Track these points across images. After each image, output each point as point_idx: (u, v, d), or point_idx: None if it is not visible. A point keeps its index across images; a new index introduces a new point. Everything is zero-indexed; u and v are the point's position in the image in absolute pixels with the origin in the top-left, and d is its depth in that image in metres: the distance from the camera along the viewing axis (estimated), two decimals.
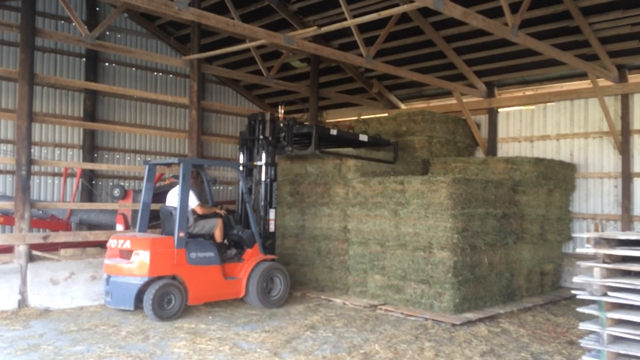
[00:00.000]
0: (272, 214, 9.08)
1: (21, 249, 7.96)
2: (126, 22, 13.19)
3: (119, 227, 10.27)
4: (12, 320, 7.21)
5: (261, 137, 9.05)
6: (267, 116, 9.08)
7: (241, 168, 9.24)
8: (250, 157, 9.35)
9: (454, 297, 7.99)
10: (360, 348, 6.29)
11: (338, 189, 9.63)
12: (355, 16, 8.60)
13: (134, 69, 13.47)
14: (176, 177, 11.66)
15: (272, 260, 8.64)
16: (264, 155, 9.05)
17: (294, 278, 10.06)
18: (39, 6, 11.16)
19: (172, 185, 11.48)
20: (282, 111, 9.34)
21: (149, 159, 13.72)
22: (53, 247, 9.12)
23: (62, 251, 8.94)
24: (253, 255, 8.39)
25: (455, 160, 10.83)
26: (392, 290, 8.67)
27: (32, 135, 8.46)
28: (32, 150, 8.53)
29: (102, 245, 9.78)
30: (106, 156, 13.08)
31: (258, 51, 11.34)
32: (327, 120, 15.00)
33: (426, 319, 7.77)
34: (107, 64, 13.02)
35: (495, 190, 8.86)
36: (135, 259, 7.42)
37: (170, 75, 14.14)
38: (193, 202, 8.12)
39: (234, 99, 15.51)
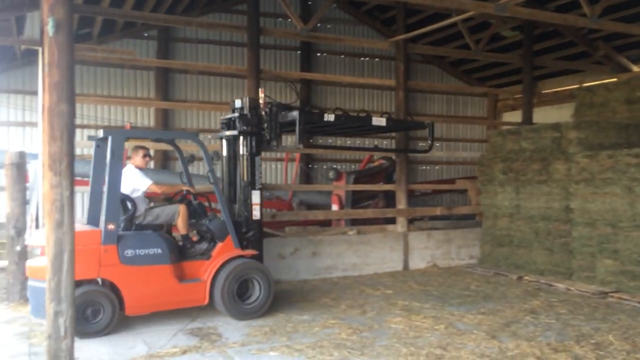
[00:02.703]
0: (255, 197, 7.01)
1: None
2: (335, 11, 13.81)
3: (334, 207, 10.91)
4: None
5: (242, 129, 6.98)
6: (246, 102, 7.02)
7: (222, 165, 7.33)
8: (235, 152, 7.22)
9: None
10: (590, 337, 5.73)
11: (558, 165, 8.84)
12: None
13: (342, 56, 14.08)
14: (385, 159, 12.00)
15: (251, 257, 6.73)
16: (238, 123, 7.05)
17: (508, 260, 9.58)
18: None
19: (381, 167, 11.82)
20: (263, 95, 7.19)
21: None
22: (280, 225, 10.07)
23: (287, 229, 9.83)
24: (224, 251, 6.53)
25: None
26: (626, 277, 7.70)
27: None
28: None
29: (320, 224, 10.51)
30: (320, 141, 13.97)
31: (465, 24, 10.92)
32: (544, 91, 13.84)
33: None
34: (318, 54, 13.84)
35: None
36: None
37: (376, 59, 14.46)
38: (144, 182, 6.56)
39: (439, 76, 15.25)
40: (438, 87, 14.69)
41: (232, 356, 5.21)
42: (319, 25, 13.63)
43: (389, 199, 11.02)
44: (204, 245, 6.74)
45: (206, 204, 7.07)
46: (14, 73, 11.15)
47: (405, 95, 10.51)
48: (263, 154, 11.80)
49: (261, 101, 7.14)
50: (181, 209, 6.63)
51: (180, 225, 6.65)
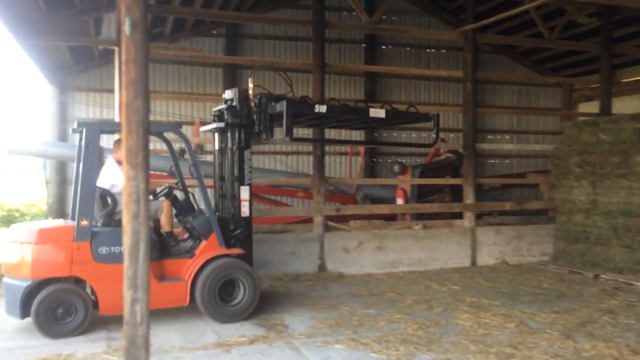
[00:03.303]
0: (244, 193, 6.56)
1: (319, 219, 9.01)
2: (400, 3, 13.62)
3: (399, 201, 10.80)
4: (314, 282, 8.23)
5: (230, 122, 6.58)
6: (235, 93, 6.61)
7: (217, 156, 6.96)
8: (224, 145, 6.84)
9: None
10: None
11: (639, 157, 8.34)
12: None
13: (407, 48, 13.87)
14: (452, 151, 11.74)
15: (237, 256, 6.35)
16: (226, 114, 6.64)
17: (584, 258, 9.15)
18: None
19: (447, 160, 11.58)
20: (252, 85, 6.65)
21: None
22: (344, 219, 10.09)
23: (352, 222, 9.83)
24: (208, 249, 6.22)
25: None
26: None
27: None
28: (324, 133, 9.49)
29: (385, 218, 10.44)
30: (385, 134, 13.86)
31: (538, 12, 10.47)
32: (624, 80, 13.06)
33: None
34: (383, 47, 13.70)
35: None
36: (18, 255, 5.69)
37: (443, 50, 14.15)
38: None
39: (509, 67, 14.71)
40: (508, 78, 14.19)
41: (298, 347, 5.27)
42: (383, 17, 13.49)
43: (456, 193, 10.78)
44: (189, 243, 6.45)
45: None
46: (92, 72, 11.73)
47: (473, 86, 10.23)
48: (327, 148, 11.81)
49: (250, 92, 6.62)
50: (164, 205, 6.36)
51: (164, 221, 6.38)
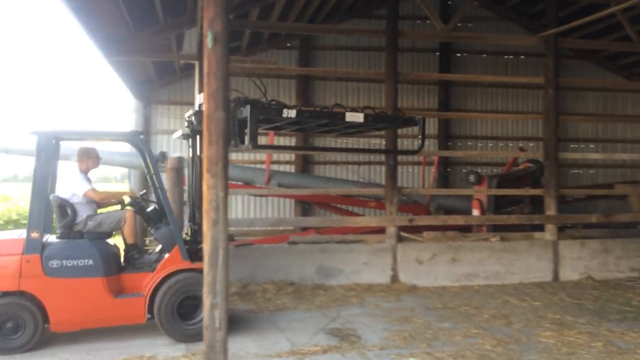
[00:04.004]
0: None
1: (391, 230, 8.91)
2: (476, 9, 13.33)
3: (475, 212, 10.49)
4: (387, 293, 8.13)
5: (195, 128, 6.14)
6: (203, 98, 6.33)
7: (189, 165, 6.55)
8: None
9: None
10: None
11: None
12: None
13: (484, 55, 13.53)
14: (532, 161, 11.27)
15: (201, 270, 6.02)
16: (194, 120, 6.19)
17: None
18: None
19: (527, 170, 11.14)
20: None
21: (500, 145, 13.61)
22: (417, 230, 9.92)
23: (425, 233, 9.63)
24: (170, 263, 5.80)
25: None
26: None
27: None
28: (397, 143, 9.40)
29: (459, 229, 10.17)
30: (459, 144, 13.55)
31: (625, 14, 9.91)
32: None
33: None
34: (458, 54, 13.45)
35: None
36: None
37: (522, 57, 13.70)
38: (81, 187, 5.92)
39: (593, 72, 14.00)
40: (593, 84, 13.50)
41: (371, 359, 5.22)
42: (458, 25, 13.25)
43: (536, 204, 10.34)
44: (154, 256, 6.13)
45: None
46: (173, 86, 12.28)
47: (555, 93, 9.80)
48: (400, 158, 11.63)
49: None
50: (127, 215, 6.01)
51: (127, 233, 6.06)
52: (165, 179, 8.83)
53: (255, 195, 11.79)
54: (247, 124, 5.38)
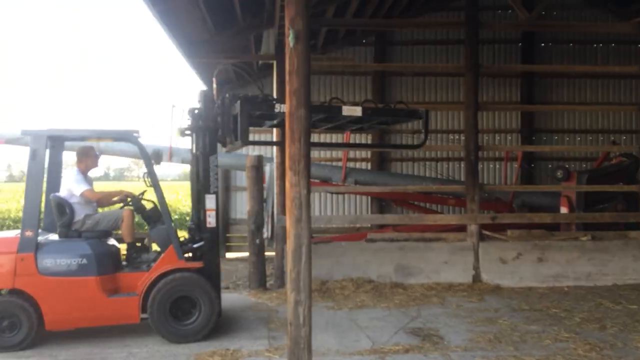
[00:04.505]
0: (209, 202, 5.94)
1: (473, 228, 8.64)
2: None
3: (563, 209, 9.98)
4: (468, 293, 7.89)
5: (193, 125, 6.04)
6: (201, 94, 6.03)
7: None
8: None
9: None
10: None
11: None
12: None
13: (570, 44, 12.84)
14: (625, 155, 10.57)
15: (199, 270, 5.79)
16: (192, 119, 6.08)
17: None
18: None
19: (620, 165, 10.45)
20: (215, 85, 6.08)
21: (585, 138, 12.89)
22: (500, 228, 9.58)
23: (509, 232, 9.28)
24: (165, 262, 5.71)
25: None
26: None
27: (478, 123, 9.07)
28: (478, 137, 9.13)
29: (546, 227, 9.71)
30: (544, 138, 12.94)
31: None
32: None
33: None
34: (542, 44, 12.83)
35: None
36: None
37: (612, 45, 12.86)
38: (78, 187, 5.91)
39: None
40: None
41: None
42: (542, 13, 12.65)
43: (631, 201, 9.68)
44: (152, 256, 6.05)
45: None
46: (251, 86, 12.55)
47: None
48: (481, 153, 11.25)
49: (214, 92, 6.03)
50: (125, 214, 6.00)
51: (125, 232, 6.03)
52: (245, 176, 9.06)
53: (332, 193, 11.84)
54: (238, 119, 5.23)
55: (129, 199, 6.23)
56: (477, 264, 8.53)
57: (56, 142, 6.21)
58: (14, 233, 5.79)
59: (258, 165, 8.53)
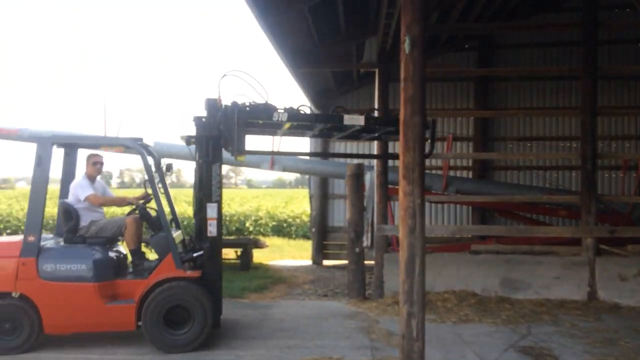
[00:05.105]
0: (211, 210, 5.88)
1: (589, 242, 8.06)
2: None
3: None
4: (583, 312, 7.35)
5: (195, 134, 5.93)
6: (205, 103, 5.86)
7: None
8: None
9: None
10: None
11: None
12: None
13: None
14: None
15: (194, 279, 5.70)
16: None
17: None
18: None
19: None
20: (219, 94, 5.83)
21: None
22: (618, 242, 8.86)
23: (629, 247, 8.55)
24: (163, 271, 5.69)
25: None
26: None
27: (596, 129, 8.47)
28: (596, 145, 8.51)
29: None
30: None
31: None
32: None
33: None
34: None
35: None
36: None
37: None
38: (83, 192, 6.00)
39: None
40: None
41: None
42: None
43: None
44: (153, 264, 6.00)
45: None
46: (350, 95, 12.61)
47: None
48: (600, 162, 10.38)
49: (220, 100, 5.86)
50: (128, 221, 6.04)
51: (128, 239, 6.06)
52: (345, 185, 9.08)
53: (432, 202, 11.55)
54: (234, 128, 5.21)
55: (133, 206, 6.29)
56: (593, 280, 7.94)
57: (70, 149, 6.38)
58: (19, 238, 5.91)
59: (358, 174, 8.51)
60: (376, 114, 5.95)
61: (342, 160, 12.45)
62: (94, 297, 5.54)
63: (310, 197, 13.11)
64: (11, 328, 5.48)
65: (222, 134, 5.71)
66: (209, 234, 5.87)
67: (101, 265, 5.68)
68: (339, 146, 12.34)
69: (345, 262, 11.88)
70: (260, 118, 5.52)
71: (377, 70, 8.53)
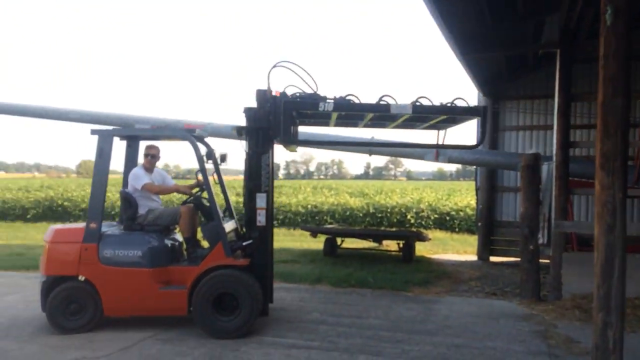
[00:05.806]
0: (260, 200, 5.98)
1: None
2: None
3: None
4: None
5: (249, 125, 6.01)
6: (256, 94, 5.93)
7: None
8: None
9: None
10: None
11: None
12: None
13: None
14: None
15: (243, 267, 5.83)
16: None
17: None
18: None
19: None
20: (269, 85, 5.84)
21: None
22: None
23: None
24: (213, 258, 5.86)
25: None
26: None
27: None
28: None
29: None
30: None
31: None
32: None
33: None
34: None
35: None
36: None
37: None
38: (139, 182, 6.26)
39: None
40: None
41: None
42: None
43: None
44: (206, 251, 6.08)
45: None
46: (523, 80, 11.69)
47: None
48: None
49: (271, 90, 5.92)
50: (182, 210, 6.28)
51: (182, 227, 6.27)
52: (520, 176, 8.45)
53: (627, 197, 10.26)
54: (281, 118, 5.51)
55: (187, 196, 6.58)
56: None
57: (132, 141, 6.79)
58: (82, 225, 6.25)
59: (534, 165, 7.88)
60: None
61: (513, 150, 11.67)
62: (149, 282, 5.85)
63: (477, 190, 12.48)
64: (77, 309, 5.88)
65: (271, 125, 5.90)
66: (258, 224, 6.05)
67: (156, 251, 6.00)
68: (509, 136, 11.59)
69: (514, 259, 11.17)
70: (308, 108, 5.77)
71: (558, 51, 7.74)
